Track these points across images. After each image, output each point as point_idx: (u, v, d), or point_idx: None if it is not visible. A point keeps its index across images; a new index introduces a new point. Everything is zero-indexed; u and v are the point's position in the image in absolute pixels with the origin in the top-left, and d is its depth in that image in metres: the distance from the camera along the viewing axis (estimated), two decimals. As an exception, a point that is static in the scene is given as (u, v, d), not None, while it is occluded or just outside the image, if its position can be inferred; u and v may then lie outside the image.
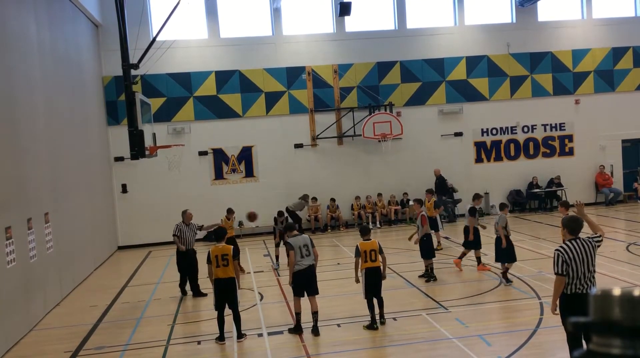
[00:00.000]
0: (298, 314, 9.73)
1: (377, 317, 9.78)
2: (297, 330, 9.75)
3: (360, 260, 9.68)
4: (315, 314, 9.62)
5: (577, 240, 6.76)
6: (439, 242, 16.19)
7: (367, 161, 21.84)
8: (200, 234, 13.59)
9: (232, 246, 9.85)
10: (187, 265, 13.02)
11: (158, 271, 16.29)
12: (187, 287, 13.16)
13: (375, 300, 9.76)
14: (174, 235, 13.25)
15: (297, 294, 9.73)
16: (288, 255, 9.70)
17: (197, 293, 12.96)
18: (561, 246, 6.78)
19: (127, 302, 12.99)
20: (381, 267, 9.78)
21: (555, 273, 6.74)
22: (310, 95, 21.52)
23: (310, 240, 9.80)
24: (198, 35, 20.92)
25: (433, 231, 15.03)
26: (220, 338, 9.55)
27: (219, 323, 9.59)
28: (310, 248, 9.69)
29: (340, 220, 21.30)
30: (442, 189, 21.22)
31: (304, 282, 9.63)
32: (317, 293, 9.75)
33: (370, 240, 9.81)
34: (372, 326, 9.59)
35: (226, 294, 9.58)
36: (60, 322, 11.64)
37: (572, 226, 6.88)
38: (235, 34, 21.10)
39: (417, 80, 22.02)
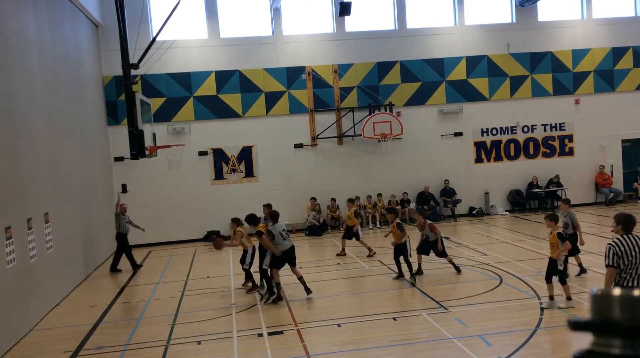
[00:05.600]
0: (278, 284, 11.68)
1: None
2: (278, 299, 11.58)
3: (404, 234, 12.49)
4: (301, 278, 11.82)
5: (630, 236, 6.92)
6: (342, 249, 16.30)
7: (367, 161, 21.83)
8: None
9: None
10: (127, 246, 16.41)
11: (158, 271, 16.29)
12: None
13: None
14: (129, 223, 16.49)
15: (278, 267, 11.68)
16: (266, 240, 11.57)
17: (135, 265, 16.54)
18: (613, 240, 6.95)
19: (127, 302, 13.00)
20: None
21: (606, 266, 6.90)
22: (310, 95, 21.52)
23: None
24: (198, 35, 20.92)
25: (354, 238, 15.71)
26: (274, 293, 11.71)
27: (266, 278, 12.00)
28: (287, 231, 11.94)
29: (340, 220, 21.29)
30: (424, 200, 21.58)
31: (289, 258, 11.69)
32: (296, 265, 11.94)
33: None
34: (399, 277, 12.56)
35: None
36: (60, 322, 11.64)
37: (626, 223, 7.02)
38: (235, 34, 21.10)
39: (417, 80, 22.02)
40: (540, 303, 10.31)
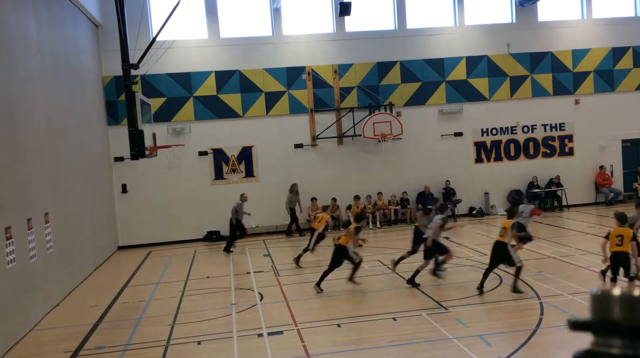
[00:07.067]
0: (419, 271, 12.28)
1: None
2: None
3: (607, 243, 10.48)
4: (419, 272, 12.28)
5: None
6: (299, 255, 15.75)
7: (367, 161, 21.83)
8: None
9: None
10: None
11: (158, 271, 16.29)
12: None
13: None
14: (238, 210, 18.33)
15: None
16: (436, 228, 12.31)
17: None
18: None
19: (127, 302, 12.99)
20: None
21: None
22: (310, 95, 21.51)
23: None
24: (198, 35, 20.91)
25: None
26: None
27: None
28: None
29: (340, 220, 21.27)
30: (424, 200, 21.58)
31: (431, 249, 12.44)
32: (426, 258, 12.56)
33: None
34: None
35: (340, 257, 12.31)
36: (60, 322, 11.64)
37: None
38: (235, 34, 21.09)
39: (417, 80, 22.01)
40: None
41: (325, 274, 12.43)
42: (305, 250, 15.54)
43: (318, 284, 12.37)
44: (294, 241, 19.77)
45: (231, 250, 18.18)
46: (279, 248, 18.50)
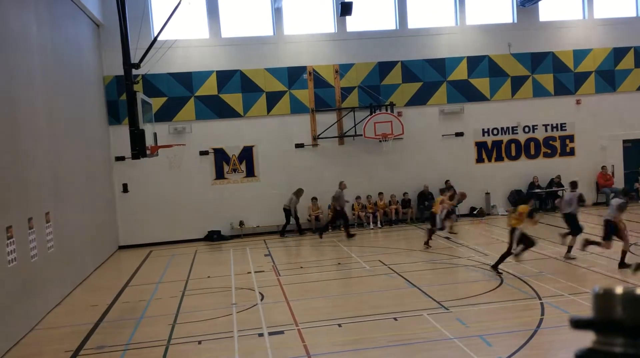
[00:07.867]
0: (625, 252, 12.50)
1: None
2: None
3: None
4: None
5: None
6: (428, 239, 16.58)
7: (367, 161, 21.82)
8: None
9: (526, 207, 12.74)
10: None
11: (159, 271, 16.29)
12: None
13: None
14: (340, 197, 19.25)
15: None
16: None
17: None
18: None
19: (128, 302, 13.00)
20: None
21: None
22: (311, 95, 21.51)
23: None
24: (199, 35, 20.91)
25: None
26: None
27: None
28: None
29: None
30: (424, 199, 21.73)
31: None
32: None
33: None
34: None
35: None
36: (61, 322, 11.64)
37: None
38: (236, 33, 21.10)
39: (418, 80, 22.01)
40: None
41: (503, 257, 12.73)
42: (431, 232, 16.39)
43: (495, 267, 12.75)
44: (292, 241, 19.78)
45: (352, 233, 19.00)
46: (279, 248, 18.50)
